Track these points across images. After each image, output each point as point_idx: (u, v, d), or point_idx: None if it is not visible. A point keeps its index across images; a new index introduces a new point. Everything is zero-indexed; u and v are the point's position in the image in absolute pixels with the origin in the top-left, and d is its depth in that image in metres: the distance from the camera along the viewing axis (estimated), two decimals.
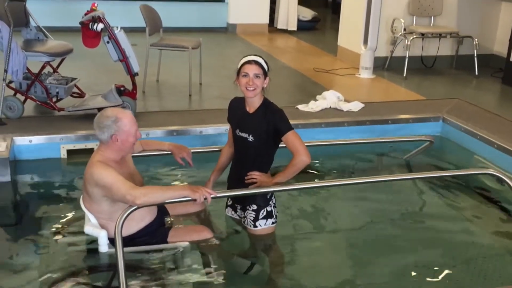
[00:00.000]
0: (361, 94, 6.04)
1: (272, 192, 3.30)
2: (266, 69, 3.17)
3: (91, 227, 3.06)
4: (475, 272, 3.23)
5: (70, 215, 3.60)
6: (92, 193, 2.99)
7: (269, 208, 3.29)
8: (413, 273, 3.18)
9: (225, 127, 4.48)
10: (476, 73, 7.01)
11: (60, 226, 3.48)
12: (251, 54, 3.23)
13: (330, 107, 5.31)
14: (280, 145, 3.27)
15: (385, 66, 7.17)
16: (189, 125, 4.69)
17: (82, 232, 3.19)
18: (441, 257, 3.36)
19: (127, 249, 2.91)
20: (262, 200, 3.26)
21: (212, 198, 2.98)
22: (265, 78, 3.16)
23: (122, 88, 4.74)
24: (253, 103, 3.21)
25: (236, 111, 3.33)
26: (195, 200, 2.93)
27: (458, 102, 5.71)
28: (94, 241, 3.16)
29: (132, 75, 4.77)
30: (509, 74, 6.67)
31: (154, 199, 2.91)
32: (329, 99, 5.38)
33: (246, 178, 3.22)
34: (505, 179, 3.44)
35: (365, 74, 6.81)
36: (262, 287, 3.10)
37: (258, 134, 3.18)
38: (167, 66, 6.30)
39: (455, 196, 4.14)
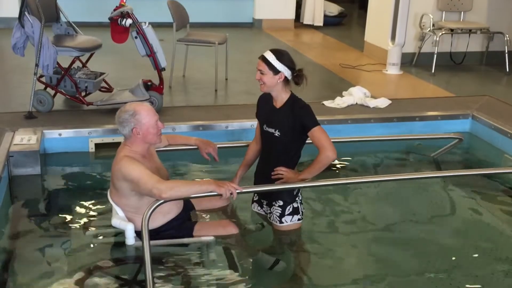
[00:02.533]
0: (388, 91, 5.98)
1: (299, 188, 3.29)
2: (277, 65, 3.09)
3: (118, 220, 3.10)
4: (500, 270, 3.18)
5: (97, 208, 3.65)
6: (120, 187, 3.02)
7: (295, 205, 3.28)
8: (440, 274, 3.14)
9: (251, 123, 4.53)
10: (507, 70, 6.88)
11: (87, 218, 3.53)
12: (273, 49, 3.19)
13: (356, 103, 5.27)
14: (307, 142, 3.27)
15: (413, 62, 7.07)
16: (215, 120, 4.70)
17: (109, 225, 3.23)
18: (470, 259, 3.31)
19: (153, 242, 2.94)
20: (289, 196, 3.26)
21: (238, 193, 2.98)
22: (274, 75, 3.10)
23: (149, 83, 4.78)
24: (280, 99, 3.20)
25: (264, 107, 3.33)
26: (220, 195, 2.94)
27: (488, 99, 5.60)
28: (120, 233, 3.20)
29: (159, 70, 4.80)
30: None
31: (180, 194, 2.93)
32: (355, 95, 5.34)
33: (272, 173, 3.22)
34: None
35: (392, 70, 6.73)
36: (286, 283, 3.09)
37: (285, 129, 3.17)
38: (194, 62, 6.33)
39: (484, 196, 4.07)
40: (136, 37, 4.64)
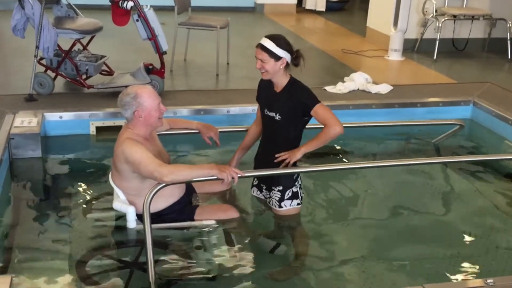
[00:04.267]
0: (390, 77, 5.96)
1: (299, 172, 3.29)
2: (277, 51, 3.07)
3: (120, 203, 3.11)
4: (502, 257, 3.20)
5: (98, 191, 3.65)
6: (122, 169, 3.03)
7: (294, 189, 3.29)
8: (440, 259, 3.15)
9: (252, 107, 4.52)
10: (509, 57, 6.85)
11: (89, 201, 3.54)
12: (269, 35, 3.16)
13: (358, 89, 5.26)
14: (306, 127, 3.27)
15: (415, 48, 7.04)
16: (216, 104, 4.70)
17: (110, 208, 3.24)
18: (470, 244, 3.33)
19: (154, 225, 2.94)
20: (288, 180, 3.26)
21: (239, 178, 2.98)
22: (275, 61, 3.09)
23: (150, 67, 4.77)
24: (280, 83, 3.19)
25: (264, 91, 3.32)
26: (222, 179, 2.94)
27: (490, 86, 5.59)
28: (122, 217, 3.21)
29: (161, 53, 4.78)
30: None
31: (181, 177, 2.93)
32: (357, 80, 5.33)
33: (275, 161, 3.20)
34: None
35: (394, 56, 6.70)
36: (286, 267, 3.11)
37: (286, 112, 3.17)
38: (195, 46, 6.30)
39: (484, 182, 4.08)
40: (137, 20, 4.61)
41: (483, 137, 4.89)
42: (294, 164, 3.19)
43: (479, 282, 2.51)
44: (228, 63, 6.05)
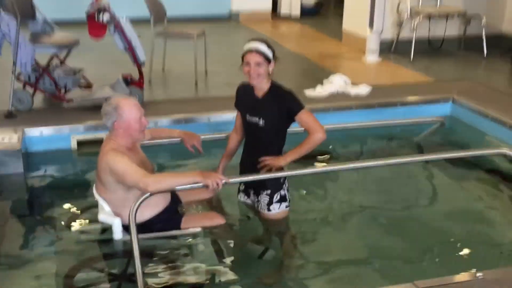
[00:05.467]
0: (368, 78, 6.00)
1: (284, 176, 3.30)
2: (270, 54, 3.13)
3: (105, 215, 3.08)
4: (489, 251, 3.23)
5: (82, 204, 3.61)
6: (106, 181, 3.00)
7: (282, 192, 3.29)
8: (427, 256, 3.17)
9: (234, 114, 4.49)
10: (485, 54, 6.94)
11: (73, 215, 3.50)
12: (255, 39, 3.20)
13: (337, 91, 5.29)
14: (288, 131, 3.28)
15: (392, 49, 7.11)
16: (197, 113, 4.68)
17: (95, 221, 3.22)
18: (456, 239, 3.34)
19: (141, 235, 2.92)
20: (276, 184, 3.26)
21: (225, 184, 2.98)
22: (269, 64, 3.12)
23: (129, 78, 4.75)
24: (261, 88, 3.20)
25: (244, 97, 3.32)
26: (207, 186, 2.93)
27: (468, 83, 5.66)
28: (108, 229, 3.17)
29: (139, 64, 4.77)
30: None
31: (166, 186, 2.92)
32: (336, 83, 5.36)
33: (258, 166, 3.20)
34: None
35: (372, 57, 6.76)
36: (275, 271, 3.10)
37: (269, 118, 3.17)
38: (173, 55, 6.28)
39: (467, 177, 4.14)
40: (114, 32, 4.59)
41: (463, 133, 4.93)
42: (280, 168, 3.20)
43: (468, 276, 2.53)
44: (206, 71, 6.04)
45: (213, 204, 3.55)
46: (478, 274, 2.51)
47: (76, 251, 3.14)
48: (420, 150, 4.59)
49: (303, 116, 3.13)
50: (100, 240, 3.24)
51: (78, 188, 3.93)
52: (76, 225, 3.39)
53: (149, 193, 2.87)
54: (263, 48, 3.12)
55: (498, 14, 7.37)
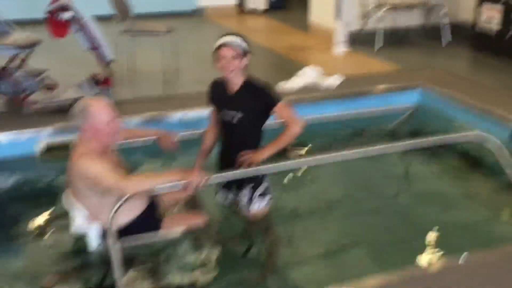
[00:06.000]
0: (338, 69, 5.97)
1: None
2: (243, 47, 3.06)
3: (80, 222, 2.94)
4: (465, 235, 3.24)
5: (53, 213, 3.46)
6: (80, 187, 2.87)
7: (263, 187, 3.22)
8: (409, 243, 3.18)
9: (207, 111, 4.41)
10: (446, 42, 7.04)
11: (43, 225, 3.34)
12: (227, 34, 3.12)
13: (310, 82, 5.25)
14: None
15: (359, 39, 7.11)
16: (169, 110, 4.55)
17: (68, 230, 3.07)
18: (435, 225, 3.34)
19: (121, 240, 2.80)
20: (256, 179, 3.19)
21: (206, 181, 2.88)
22: (243, 58, 3.05)
23: (96, 78, 4.59)
24: (236, 82, 3.12)
25: (218, 93, 3.23)
26: (188, 185, 2.83)
27: (433, 71, 5.71)
28: (82, 237, 3.04)
29: (105, 63, 4.61)
30: (477, 40, 6.71)
31: (145, 187, 2.80)
32: (309, 74, 5.32)
33: (237, 162, 3.12)
34: (495, 142, 3.43)
35: (340, 49, 6.75)
36: (260, 269, 3.05)
37: (245, 112, 3.09)
38: (139, 53, 6.12)
39: (441, 163, 4.16)
40: (77, 31, 4.42)
41: (434, 120, 4.95)
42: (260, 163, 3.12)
43: (452, 261, 2.52)
44: (176, 69, 5.91)
45: (192, 204, 3.45)
46: (461, 259, 2.51)
47: (49, 264, 3.00)
48: (394, 138, 4.58)
49: (280, 109, 3.07)
50: (74, 250, 3.10)
51: (47, 196, 3.74)
52: (47, 236, 3.23)
53: (126, 196, 2.75)
54: (237, 41, 3.05)
55: (456, 3, 7.48)
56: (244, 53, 3.05)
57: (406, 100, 5.04)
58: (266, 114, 3.13)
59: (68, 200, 2.99)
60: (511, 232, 3.30)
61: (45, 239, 3.19)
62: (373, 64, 6.25)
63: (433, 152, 4.25)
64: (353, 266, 3.01)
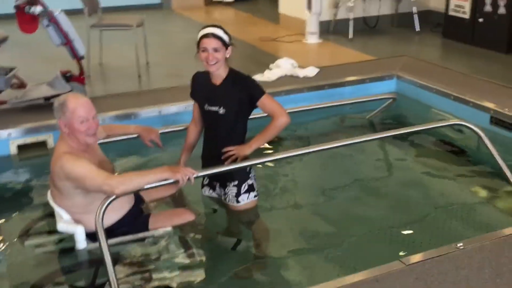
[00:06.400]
0: (311, 60, 5.98)
1: (251, 165, 3.18)
2: (227, 38, 3.01)
3: (65, 223, 2.84)
4: (450, 223, 3.28)
5: (34, 214, 3.34)
6: (63, 187, 2.77)
7: (250, 181, 3.17)
8: (402, 232, 3.18)
9: (185, 105, 4.35)
10: (417, 30, 7.12)
11: (25, 228, 3.20)
12: (209, 25, 3.07)
13: (285, 74, 5.22)
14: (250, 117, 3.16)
15: (330, 29, 7.12)
16: (146, 106, 4.45)
17: (52, 231, 2.98)
18: (426, 213, 3.37)
19: (109, 241, 2.71)
20: (242, 174, 3.14)
21: (195, 178, 2.82)
22: (226, 49, 3.00)
23: (68, 74, 4.44)
24: (219, 75, 3.06)
25: (201, 86, 3.17)
26: (177, 182, 2.77)
27: (407, 59, 5.74)
28: (65, 238, 2.95)
29: (79, 58, 4.47)
30: (448, 27, 6.80)
31: (133, 186, 2.72)
32: (283, 66, 5.29)
33: (222, 157, 3.07)
34: (476, 129, 3.48)
35: (312, 39, 6.75)
36: (249, 263, 3.00)
37: (230, 105, 3.04)
38: (109, 48, 5.99)
39: (419, 150, 4.20)
40: (48, 26, 4.27)
41: (411, 108, 4.99)
42: (245, 157, 3.08)
43: (449, 248, 2.55)
44: (147, 63, 5.79)
45: (177, 201, 3.39)
46: (458, 245, 2.54)
47: (33, 267, 2.89)
48: (373, 127, 4.62)
49: (265, 101, 3.03)
50: (59, 252, 2.99)
51: (25, 197, 3.62)
52: (28, 239, 3.11)
53: (114, 196, 2.67)
54: (220, 32, 2.99)
55: None
56: (226, 45, 2.99)
57: (381, 90, 5.05)
58: (251, 106, 3.09)
59: (52, 200, 2.89)
60: (497, 217, 3.34)
61: (29, 242, 3.07)
62: (346, 53, 6.27)
63: (411, 141, 4.29)
64: (343, 256, 2.99)
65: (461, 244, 2.56)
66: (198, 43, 2.99)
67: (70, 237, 2.90)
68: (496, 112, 4.23)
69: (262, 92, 3.02)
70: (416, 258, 2.47)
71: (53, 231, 2.98)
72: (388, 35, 7.14)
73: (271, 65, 5.39)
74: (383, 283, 2.26)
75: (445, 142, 4.32)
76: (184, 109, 4.34)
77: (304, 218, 3.39)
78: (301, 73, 5.19)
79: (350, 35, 6.80)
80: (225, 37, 2.99)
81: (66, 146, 2.79)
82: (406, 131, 3.71)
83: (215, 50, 2.94)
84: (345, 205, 3.50)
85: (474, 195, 3.60)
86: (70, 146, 2.78)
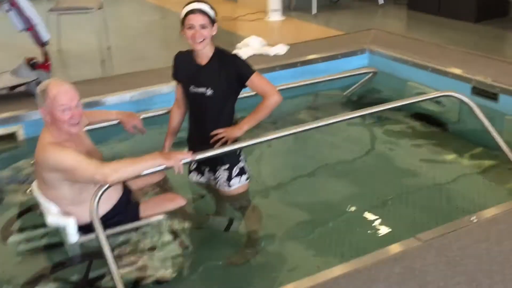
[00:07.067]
0: (277, 38, 5.88)
1: (241, 147, 3.07)
2: (213, 15, 2.87)
3: (55, 216, 2.66)
4: (438, 198, 3.28)
5: (16, 208, 3.15)
6: (50, 179, 2.59)
7: (241, 164, 3.06)
8: (406, 211, 3.15)
9: (157, 88, 4.20)
10: (381, 3, 7.13)
11: (8, 223, 3.03)
12: (194, 0, 2.90)
13: (255, 53, 5.12)
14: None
15: (292, 6, 7.04)
16: (116, 92, 4.25)
17: (39, 225, 2.82)
18: (407, 188, 3.37)
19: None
20: (233, 157, 3.02)
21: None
22: (213, 26, 2.86)
23: (33, 61, 4.19)
24: (205, 54, 2.91)
25: (185, 67, 3.01)
26: (170, 167, 2.64)
27: (376, 32, 5.73)
28: (51, 232, 2.81)
29: (43, 44, 4.22)
30: None
31: (126, 174, 2.58)
32: (252, 45, 5.20)
33: (211, 141, 2.94)
34: (467, 101, 3.49)
35: (275, 16, 6.67)
36: (244, 249, 2.94)
37: (218, 85, 2.91)
38: (67, 33, 5.70)
39: (398, 126, 4.20)
40: (9, 11, 4.00)
41: (386, 83, 4.93)
42: (235, 140, 2.98)
43: (464, 222, 2.50)
44: (109, 47, 5.56)
45: (164, 187, 3.25)
46: (472, 218, 2.50)
47: (21, 265, 2.75)
48: (352, 103, 4.59)
49: (255, 79, 2.90)
50: (47, 247, 2.85)
51: (2, 192, 3.41)
52: (12, 234, 2.93)
53: (107, 185, 2.53)
54: (207, 8, 2.84)
55: None
56: (213, 22, 2.86)
57: (354, 65, 5.02)
58: (240, 86, 2.97)
59: (37, 193, 2.71)
60: (491, 189, 3.33)
61: (14, 238, 2.90)
62: (312, 29, 6.21)
63: (388, 117, 4.26)
64: (335, 235, 2.96)
65: (475, 217, 2.52)
66: (183, 19, 2.83)
67: (57, 231, 2.75)
68: (477, 82, 4.23)
69: (251, 71, 2.90)
70: (431, 234, 2.41)
71: (38, 225, 2.81)
72: (351, 9, 7.13)
73: (238, 44, 5.28)
74: (402, 262, 2.19)
75: (425, 116, 4.30)
76: (158, 92, 4.19)
77: (296, 198, 3.33)
78: (272, 51, 5.11)
79: (314, 10, 6.75)
80: (212, 13, 2.85)
81: (50, 135, 2.61)
82: (394, 105, 3.54)
83: (202, 26, 2.80)
84: (328, 182, 3.47)
85: (463, 168, 3.61)
86: (54, 136, 2.61)
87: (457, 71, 4.44)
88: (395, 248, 2.30)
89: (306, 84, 4.27)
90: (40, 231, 2.87)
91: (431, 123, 4.26)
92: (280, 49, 5.15)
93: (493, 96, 4.18)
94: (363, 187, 3.40)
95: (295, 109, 4.56)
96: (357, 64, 5.04)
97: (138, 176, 2.67)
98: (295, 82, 4.24)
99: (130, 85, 4.33)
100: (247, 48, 5.16)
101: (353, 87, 4.59)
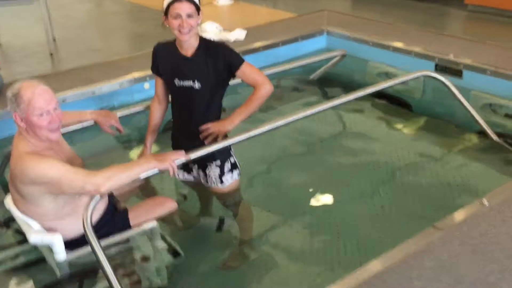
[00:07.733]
0: (229, 22, 5.74)
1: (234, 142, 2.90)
2: (197, 2, 2.67)
3: (39, 234, 2.39)
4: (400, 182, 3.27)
5: None
6: (29, 193, 2.32)
7: (232, 159, 2.90)
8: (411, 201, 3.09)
9: (121, 81, 3.94)
10: None
11: None
12: None
13: (213, 39, 4.90)
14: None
15: None
16: (76, 87, 3.94)
17: (17, 243, 2.56)
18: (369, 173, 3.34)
19: (88, 248, 2.34)
20: (224, 152, 2.84)
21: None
22: (199, 14, 2.66)
23: None
24: (191, 44, 2.70)
25: (167, 59, 2.79)
26: (164, 171, 2.44)
27: (329, 13, 5.65)
28: (30, 250, 2.57)
29: None
30: None
31: (120, 182, 2.34)
32: (210, 31, 4.99)
33: (200, 136, 2.76)
34: (443, 79, 3.48)
35: (224, 0, 6.46)
36: (237, 251, 2.82)
37: (205, 78, 2.71)
38: (4, 26, 5.26)
39: (373, 109, 4.16)
40: None
41: (349, 64, 4.77)
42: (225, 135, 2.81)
43: (476, 206, 2.45)
44: (55, 39, 5.17)
45: (149, 190, 3.05)
46: (483, 201, 2.46)
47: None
48: (319, 88, 4.50)
49: (246, 69, 2.73)
50: (27, 267, 2.58)
51: None
52: None
53: (99, 195, 2.30)
54: None
55: None
56: (199, 11, 2.66)
57: (314, 47, 4.94)
58: (229, 77, 2.78)
59: (13, 208, 2.44)
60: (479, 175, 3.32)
61: None
62: (266, 12, 6.08)
63: (366, 101, 4.19)
64: (331, 229, 2.88)
65: (486, 200, 2.48)
66: (167, 8, 2.61)
67: (34, 249, 2.52)
68: (441, 59, 4.26)
69: (241, 60, 2.72)
70: (449, 221, 2.33)
71: (17, 243, 2.56)
72: None
73: None
74: (430, 254, 2.10)
75: (389, 96, 4.28)
76: (118, 87, 3.93)
77: (288, 193, 3.20)
78: (231, 36, 4.93)
79: None
80: (197, 1, 2.64)
81: (26, 144, 2.34)
82: (373, 89, 3.41)
83: (189, 16, 2.59)
84: (313, 173, 3.37)
85: (444, 148, 3.61)
86: (31, 144, 2.34)
87: (419, 49, 4.45)
88: (418, 240, 2.21)
89: (278, 72, 4.10)
90: (16, 249, 2.60)
91: (395, 103, 4.23)
92: (239, 34, 4.97)
93: (457, 73, 4.22)
94: (333, 173, 3.33)
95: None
96: (316, 46, 4.96)
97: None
98: (268, 69, 4.04)
99: (89, 80, 4.02)
100: (205, 34, 4.94)
101: (319, 70, 4.49)
